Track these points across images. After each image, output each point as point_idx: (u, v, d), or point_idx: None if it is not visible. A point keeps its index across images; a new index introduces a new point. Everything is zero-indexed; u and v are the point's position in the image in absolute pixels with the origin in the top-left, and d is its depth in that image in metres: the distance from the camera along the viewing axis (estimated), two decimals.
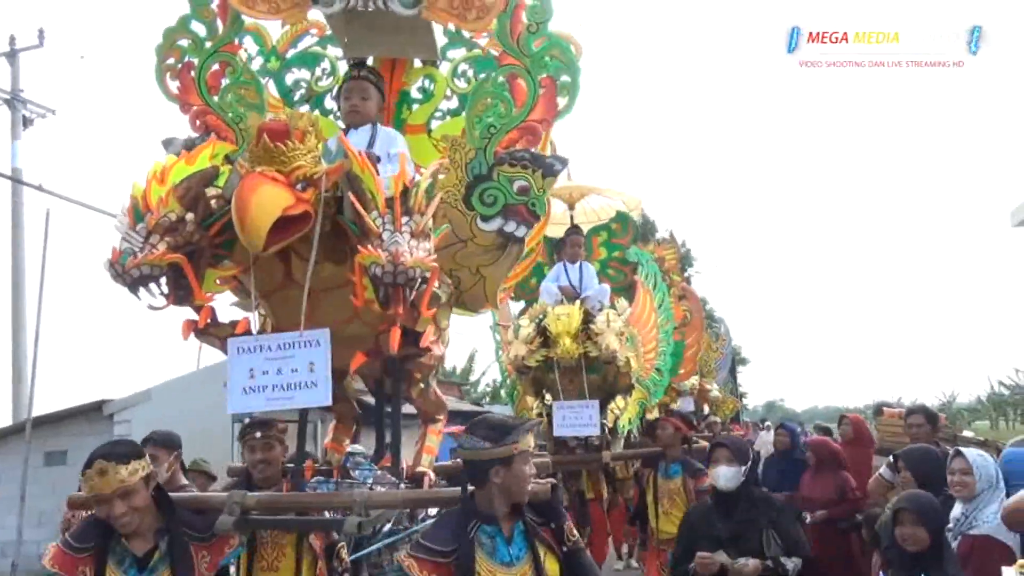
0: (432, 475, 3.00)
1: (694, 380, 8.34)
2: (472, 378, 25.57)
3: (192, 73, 2.86)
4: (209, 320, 2.52)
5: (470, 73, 3.06)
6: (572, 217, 6.18)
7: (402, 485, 2.81)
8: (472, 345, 23.98)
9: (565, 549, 2.42)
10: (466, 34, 3.03)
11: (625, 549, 8.47)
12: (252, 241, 2.20)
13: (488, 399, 22.45)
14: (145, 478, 2.35)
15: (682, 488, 4.97)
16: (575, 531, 2.51)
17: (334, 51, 3.16)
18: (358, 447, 3.41)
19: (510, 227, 2.75)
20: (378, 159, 2.62)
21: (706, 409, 10.11)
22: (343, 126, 2.98)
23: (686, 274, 12.35)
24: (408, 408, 3.05)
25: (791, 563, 3.46)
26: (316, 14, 2.95)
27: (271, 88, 3.09)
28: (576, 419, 4.91)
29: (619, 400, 5.42)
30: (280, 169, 2.27)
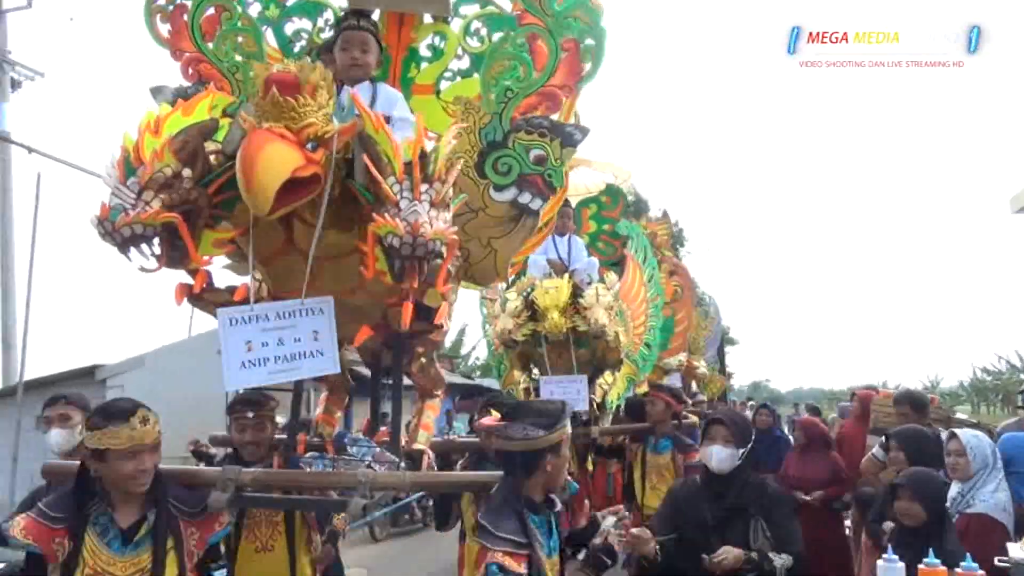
0: (431, 454, 2.90)
1: (682, 357, 8.30)
2: (463, 351, 25.39)
3: (185, 17, 2.66)
4: (205, 285, 2.34)
5: (483, 32, 2.89)
6: None
7: (402, 464, 2.70)
8: (463, 319, 23.73)
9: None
10: None
11: None
12: (258, 203, 2.02)
13: (479, 372, 22.29)
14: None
15: (671, 463, 4.93)
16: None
17: (338, 1, 2.95)
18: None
19: (524, 198, 2.61)
20: (388, 119, 2.45)
21: (694, 386, 10.10)
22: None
23: (678, 253, 12.31)
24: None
25: (779, 559, 3.06)
26: None
27: (269, 38, 2.88)
28: (564, 394, 4.82)
29: (607, 375, 5.36)
30: (289, 126, 2.08)
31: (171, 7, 2.66)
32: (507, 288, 5.42)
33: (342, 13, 2.90)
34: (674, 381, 7.99)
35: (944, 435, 3.57)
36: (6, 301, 12.56)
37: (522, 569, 2.12)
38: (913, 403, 4.55)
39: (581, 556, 2.56)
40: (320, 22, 2.97)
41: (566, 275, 5.15)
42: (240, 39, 2.63)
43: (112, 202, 2.10)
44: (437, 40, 3.01)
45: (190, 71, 2.68)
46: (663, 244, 7.81)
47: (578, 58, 2.64)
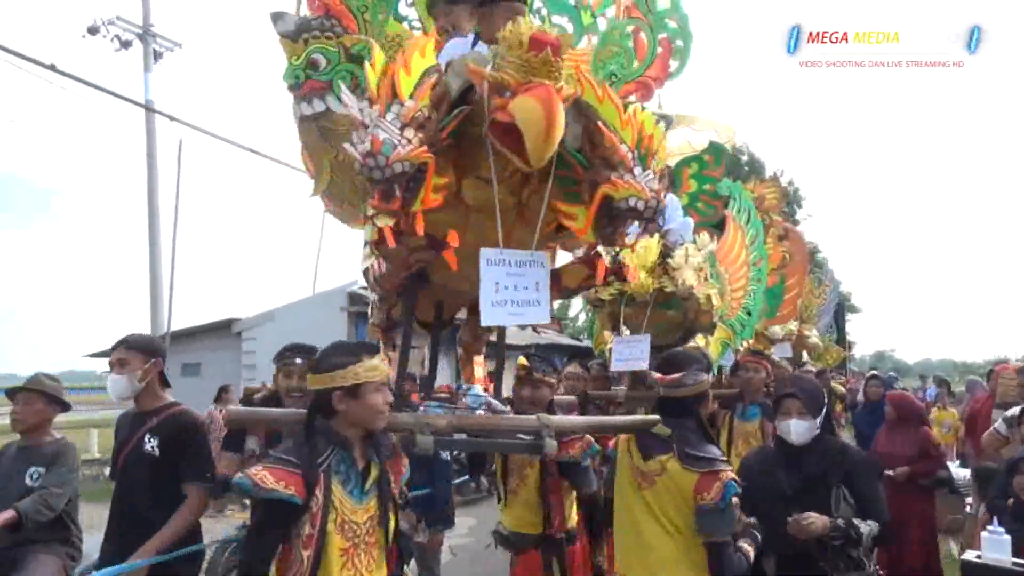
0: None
1: (792, 326, 7.88)
2: (571, 313, 25.61)
3: None
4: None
5: (544, 12, 2.94)
6: None
7: (507, 410, 2.83)
8: None
9: None
10: None
11: None
12: (544, 156, 2.12)
13: (586, 335, 22.24)
14: None
15: (759, 431, 4.77)
16: None
17: None
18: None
19: None
20: None
21: (804, 356, 9.58)
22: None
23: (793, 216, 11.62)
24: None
25: (866, 527, 2.99)
26: None
27: None
28: (629, 354, 4.76)
29: (700, 338, 5.23)
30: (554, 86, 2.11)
31: None
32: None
33: None
34: (783, 350, 7.63)
35: None
36: (154, 259, 13.17)
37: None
38: None
39: None
40: None
41: (656, 235, 5.04)
42: None
43: (381, 136, 2.07)
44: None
45: (316, 2, 2.61)
46: (772, 208, 7.34)
47: (669, 56, 2.84)
